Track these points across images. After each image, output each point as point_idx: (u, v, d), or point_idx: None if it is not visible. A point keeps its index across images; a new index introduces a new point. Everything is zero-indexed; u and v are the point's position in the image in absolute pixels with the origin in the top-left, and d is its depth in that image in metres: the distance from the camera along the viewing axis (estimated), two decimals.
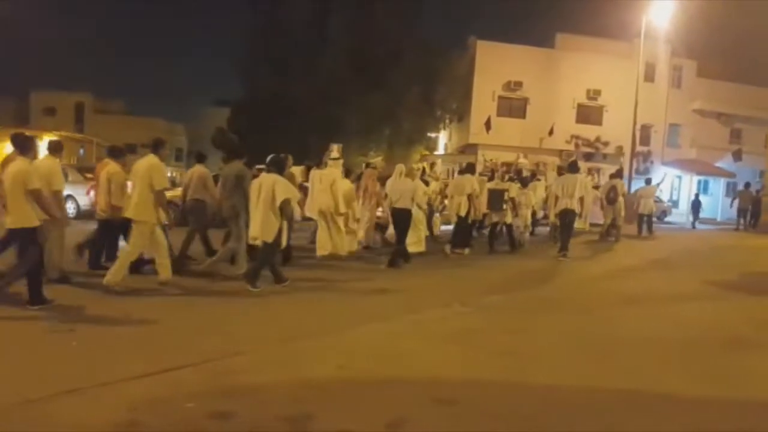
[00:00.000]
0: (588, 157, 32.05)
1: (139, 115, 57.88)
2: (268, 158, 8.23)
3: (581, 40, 32.87)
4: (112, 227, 8.62)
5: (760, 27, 22.67)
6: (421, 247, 11.48)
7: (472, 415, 3.83)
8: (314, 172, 10.85)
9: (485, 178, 13.61)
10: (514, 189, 12.81)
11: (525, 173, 15.74)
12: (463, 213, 11.71)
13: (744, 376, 4.87)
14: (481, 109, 30.97)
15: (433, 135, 36.41)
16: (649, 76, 32.13)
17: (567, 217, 11.99)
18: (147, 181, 7.28)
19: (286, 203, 7.65)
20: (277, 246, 7.93)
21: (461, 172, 13.07)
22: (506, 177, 13.68)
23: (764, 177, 22.37)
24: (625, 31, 30.63)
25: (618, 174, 17.76)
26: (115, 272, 7.15)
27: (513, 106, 32.00)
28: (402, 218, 10.24)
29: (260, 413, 3.69)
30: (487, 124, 29.92)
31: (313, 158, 10.01)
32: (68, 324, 5.59)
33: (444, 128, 36.21)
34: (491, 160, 27.49)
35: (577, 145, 32.39)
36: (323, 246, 10.41)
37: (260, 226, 7.63)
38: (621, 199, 16.55)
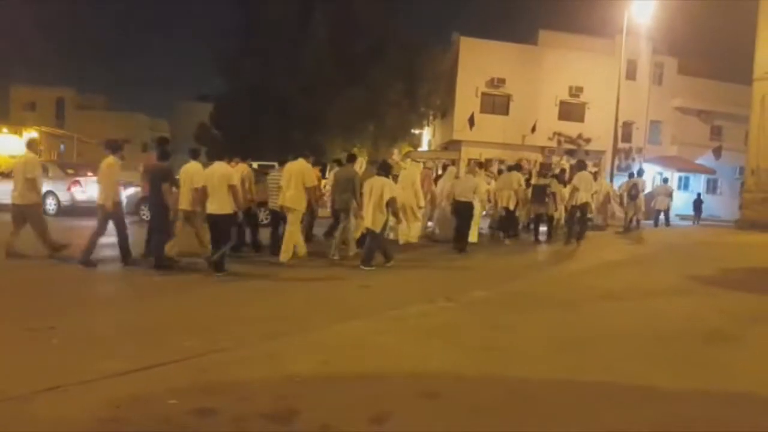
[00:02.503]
0: (570, 153, 32.29)
1: (120, 110, 57.35)
2: (379, 164, 10.35)
3: (563, 37, 33.09)
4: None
5: (741, 24, 22.96)
6: (475, 238, 12.80)
7: (454, 408, 3.86)
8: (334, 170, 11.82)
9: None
10: (555, 184, 14.36)
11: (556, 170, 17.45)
12: (512, 206, 13.46)
13: (721, 369, 4.95)
14: (464, 105, 31.08)
15: (416, 131, 36.47)
16: (631, 74, 32.44)
17: (584, 209, 13.65)
18: (300, 178, 9.44)
19: (392, 201, 9.38)
20: (382, 233, 9.67)
21: (509, 169, 14.73)
22: (548, 174, 15.53)
23: (744, 174, 22.70)
24: (607, 29, 30.96)
25: (639, 173, 19.42)
26: (285, 251, 9.48)
27: (496, 103, 32.14)
28: (465, 210, 11.78)
29: (243, 410, 3.69)
30: (471, 121, 30.06)
31: (297, 152, 10.40)
32: (49, 320, 5.54)
33: (428, 125, 36.30)
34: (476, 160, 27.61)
35: (559, 142, 32.62)
36: (404, 234, 12.07)
37: (371, 219, 9.37)
38: (641, 195, 18.43)
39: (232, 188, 8.43)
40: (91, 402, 3.72)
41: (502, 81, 31.50)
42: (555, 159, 28.57)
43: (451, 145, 32.47)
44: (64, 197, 16.93)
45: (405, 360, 4.87)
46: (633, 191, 18.23)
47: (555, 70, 31.82)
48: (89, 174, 18.29)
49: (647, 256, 12.71)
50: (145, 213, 16.26)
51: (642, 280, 9.54)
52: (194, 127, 37.98)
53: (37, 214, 9.28)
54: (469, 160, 28.60)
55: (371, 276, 8.96)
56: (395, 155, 19.73)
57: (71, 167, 19.06)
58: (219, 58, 33.59)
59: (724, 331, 6.16)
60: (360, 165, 11.62)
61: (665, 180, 21.88)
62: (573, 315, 6.82)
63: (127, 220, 9.14)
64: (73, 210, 16.73)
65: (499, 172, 16.48)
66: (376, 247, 9.50)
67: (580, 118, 33.15)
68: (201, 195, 8.49)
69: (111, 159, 8.91)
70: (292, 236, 9.65)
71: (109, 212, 8.71)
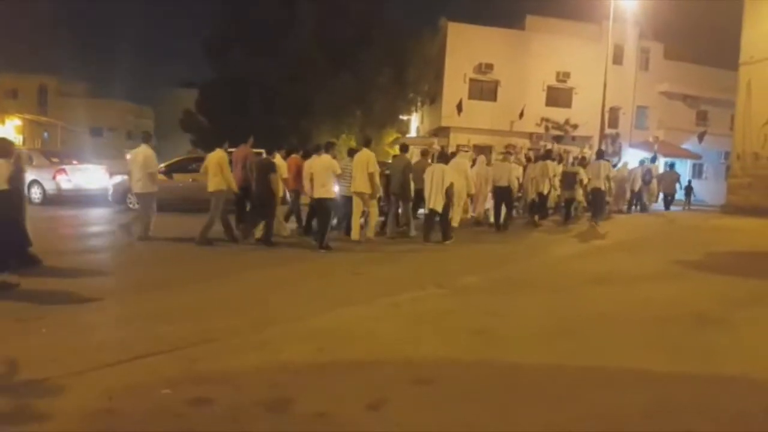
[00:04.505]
0: (557, 139, 32.38)
1: (104, 97, 56.64)
2: (438, 154, 12.83)
3: (551, 22, 33.10)
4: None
5: (726, 10, 23.06)
6: (456, 223, 13.24)
7: (448, 394, 3.88)
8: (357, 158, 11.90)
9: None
10: (582, 172, 15.33)
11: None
12: (546, 191, 14.52)
13: (711, 352, 5.00)
14: (452, 91, 31.05)
15: (405, 117, 36.38)
16: (618, 59, 32.50)
17: (597, 193, 15.14)
18: (365, 166, 10.54)
19: (451, 186, 10.72)
20: (447, 213, 10.97)
21: (542, 158, 15.68)
22: (575, 162, 16.84)
23: (729, 158, 22.89)
24: (594, 14, 31.01)
25: (652, 159, 20.98)
26: (370, 229, 11.07)
27: (484, 89, 32.14)
28: (504, 194, 13.15)
29: (238, 398, 3.68)
30: (459, 107, 30.03)
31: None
32: (37, 311, 5.50)
33: (416, 111, 36.21)
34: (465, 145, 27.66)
35: (547, 128, 32.69)
36: (455, 219, 12.47)
37: (434, 202, 10.78)
38: (654, 181, 20.02)
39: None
40: (84, 393, 3.70)
41: (489, 67, 31.47)
42: (542, 144, 29.14)
43: (440, 132, 32.45)
44: (49, 186, 16.73)
45: (398, 346, 4.88)
46: (647, 176, 19.66)
47: (542, 56, 31.82)
48: (74, 162, 18.10)
49: (635, 241, 12.80)
50: (132, 202, 16.21)
51: (631, 264, 9.61)
52: (179, 114, 37.64)
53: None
54: (457, 146, 28.75)
55: (363, 263, 9.00)
56: (435, 144, 21.64)
57: (55, 155, 18.81)
58: (204, 44, 33.27)
59: (713, 315, 6.22)
60: (411, 155, 12.69)
61: (671, 166, 23.38)
62: (563, 300, 6.87)
63: (115, 208, 9.22)
64: (58, 199, 16.56)
65: (527, 159, 17.54)
66: (446, 226, 11.05)
67: (568, 104, 33.26)
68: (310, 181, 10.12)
69: (146, 149, 10.19)
70: (372, 217, 11.25)
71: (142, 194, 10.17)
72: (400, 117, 35.22)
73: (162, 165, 15.43)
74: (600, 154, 16.20)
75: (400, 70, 30.79)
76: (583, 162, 16.46)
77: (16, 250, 7.15)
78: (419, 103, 34.93)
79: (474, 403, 3.76)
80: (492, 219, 13.80)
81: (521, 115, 31.42)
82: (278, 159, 10.83)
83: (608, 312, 6.27)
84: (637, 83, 34.09)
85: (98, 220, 8.40)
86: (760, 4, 19.09)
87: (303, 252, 9.87)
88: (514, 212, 15.00)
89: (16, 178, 7.12)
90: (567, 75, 32.53)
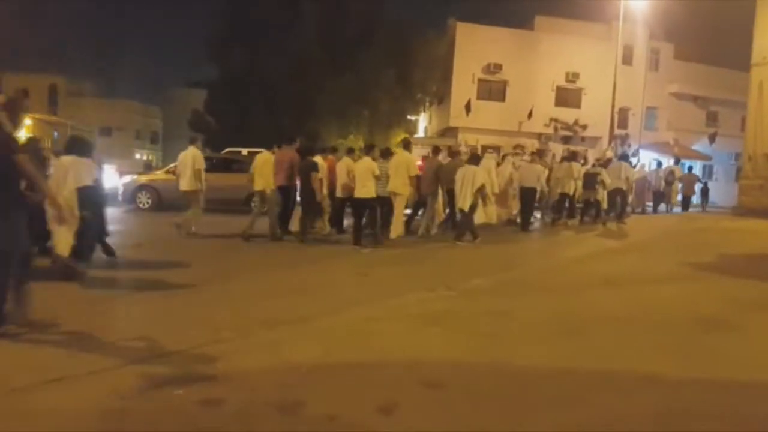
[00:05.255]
0: (566, 140, 32.26)
1: (113, 97, 56.91)
2: (469, 156, 12.67)
3: (560, 22, 32.95)
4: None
5: (737, 10, 22.92)
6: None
7: (458, 398, 3.87)
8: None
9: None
10: (604, 173, 15.38)
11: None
12: (571, 191, 14.84)
13: (721, 356, 4.96)
14: (461, 91, 30.96)
15: (412, 118, 36.34)
16: (627, 59, 32.23)
17: (618, 194, 15.48)
18: (405, 169, 11.03)
19: (482, 187, 11.06)
20: (472, 214, 11.31)
21: (567, 159, 16.08)
22: (595, 164, 16.99)
23: (741, 160, 22.77)
24: (604, 14, 30.83)
25: (676, 161, 21.55)
26: (395, 228, 11.33)
27: (493, 89, 32.02)
28: (529, 195, 13.58)
29: (250, 400, 3.68)
30: (467, 107, 29.96)
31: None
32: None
33: (424, 111, 36.15)
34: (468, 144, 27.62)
35: (555, 128, 32.56)
36: (480, 217, 12.41)
37: (463, 202, 11.06)
38: (677, 182, 20.55)
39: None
40: (96, 393, 3.71)
41: (498, 67, 31.36)
42: (552, 145, 29.21)
43: (448, 132, 32.40)
44: None
45: (407, 348, 4.88)
46: (669, 178, 20.33)
47: (551, 56, 31.67)
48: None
49: (646, 243, 12.74)
50: (142, 201, 16.27)
51: (642, 266, 9.57)
52: (186, 114, 37.78)
53: (197, 199, 11.27)
54: (435, 144, 28.64)
55: (370, 264, 9.03)
56: (463, 145, 22.40)
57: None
58: (208, 43, 33.34)
59: (723, 318, 6.17)
60: (443, 157, 13.23)
61: (690, 168, 23.37)
62: (572, 301, 6.84)
63: (125, 208, 9.44)
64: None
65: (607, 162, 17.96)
66: (467, 226, 11.34)
67: (577, 104, 33.09)
68: (352, 182, 10.92)
69: (194, 150, 11.18)
70: (399, 217, 11.60)
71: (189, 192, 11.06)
72: (408, 117, 35.17)
73: (171, 165, 15.54)
74: (624, 157, 17.08)
75: (407, 71, 30.72)
76: (606, 164, 16.65)
77: (98, 241, 8.02)
78: (427, 104, 34.86)
79: (484, 407, 3.75)
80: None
81: (530, 115, 31.30)
82: (319, 159, 11.54)
83: (618, 314, 6.24)
84: (647, 84, 33.87)
85: (113, 220, 8.68)
86: None
87: (332, 249, 10.72)
88: (538, 214, 15.54)
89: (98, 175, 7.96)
90: (576, 75, 32.37)
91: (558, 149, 30.02)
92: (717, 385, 4.29)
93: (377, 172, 10.52)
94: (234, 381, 3.99)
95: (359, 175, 10.56)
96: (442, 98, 33.56)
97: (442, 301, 6.66)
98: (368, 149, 11.36)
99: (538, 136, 32.30)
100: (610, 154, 21.33)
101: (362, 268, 8.64)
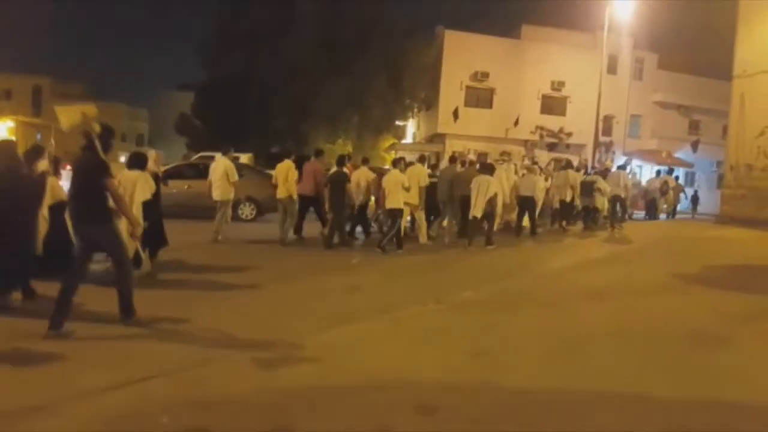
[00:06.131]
0: (552, 147, 32.57)
1: (99, 99, 56.31)
2: (480, 165, 13.39)
3: (546, 31, 33.27)
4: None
5: (720, 21, 23.25)
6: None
7: (453, 422, 3.85)
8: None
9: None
10: (600, 181, 16.06)
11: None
12: (569, 199, 15.56)
13: (713, 375, 4.99)
14: (449, 98, 31.16)
15: (401, 123, 36.47)
16: (612, 68, 32.63)
17: (617, 201, 16.23)
18: (417, 180, 11.60)
19: (495, 196, 11.72)
20: (492, 221, 12.26)
21: (563, 168, 16.65)
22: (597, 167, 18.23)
23: (722, 168, 23.11)
24: (589, 24, 31.16)
25: (669, 171, 22.48)
26: (423, 235, 12.55)
27: (480, 96, 32.26)
28: (528, 204, 14.07)
29: (238, 427, 3.62)
30: (455, 114, 30.15)
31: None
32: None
33: (412, 117, 36.30)
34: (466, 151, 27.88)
35: (541, 136, 32.87)
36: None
37: (479, 210, 11.69)
38: (671, 191, 21.22)
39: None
40: (81, 419, 3.64)
41: (485, 75, 31.60)
42: (537, 152, 29.71)
43: (436, 138, 32.56)
44: None
45: (399, 369, 4.84)
46: (664, 188, 20.95)
47: (538, 64, 32.00)
48: (66, 167, 17.93)
49: (634, 252, 12.87)
50: None
51: (627, 277, 9.62)
52: (174, 117, 37.59)
53: (226, 210, 11.62)
54: (453, 152, 28.95)
55: (361, 277, 9.06)
56: (470, 154, 23.55)
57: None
58: (201, 46, 33.23)
59: (712, 333, 6.23)
60: (458, 166, 13.76)
61: (676, 178, 23.90)
62: (561, 315, 6.85)
63: None
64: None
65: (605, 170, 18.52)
66: (491, 232, 12.20)
67: (562, 112, 33.43)
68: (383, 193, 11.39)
69: (226, 160, 11.43)
70: (422, 223, 12.59)
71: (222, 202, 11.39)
72: (397, 123, 35.31)
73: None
74: (623, 166, 18.21)
75: (397, 76, 30.87)
76: (605, 173, 17.33)
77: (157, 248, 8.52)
78: (416, 110, 35.02)
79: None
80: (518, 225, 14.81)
81: (516, 122, 31.56)
82: (359, 171, 12.30)
83: (609, 329, 6.24)
84: (631, 92, 34.31)
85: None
86: (753, 20, 19.20)
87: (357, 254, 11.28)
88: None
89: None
90: (562, 84, 32.71)
91: (544, 156, 30.44)
92: (710, 404, 4.32)
93: (407, 185, 11.16)
94: (221, 407, 3.93)
95: (389, 186, 11.19)
96: (430, 104, 33.72)
97: (434, 315, 6.67)
98: (396, 162, 12.08)
99: (525, 143, 32.60)
100: (609, 163, 21.79)
101: (383, 275, 9.32)
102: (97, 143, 5.42)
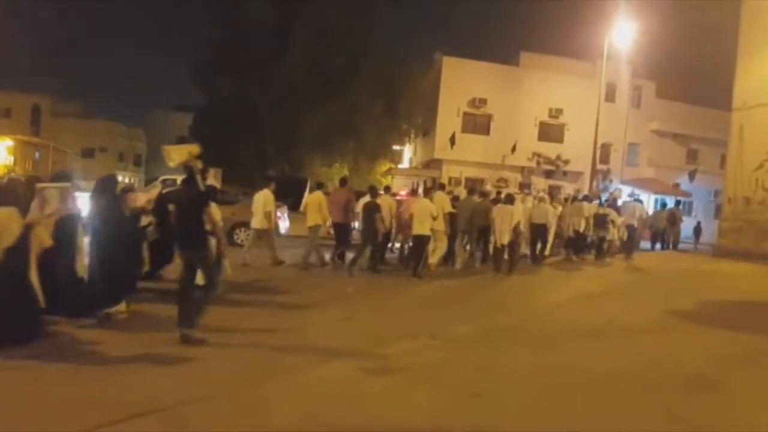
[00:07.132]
0: (548, 174, 32.56)
1: (97, 118, 56.51)
2: (505, 196, 13.84)
3: (545, 59, 33.44)
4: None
5: (717, 50, 23.42)
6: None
7: None
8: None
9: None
10: (613, 213, 16.77)
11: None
12: (582, 229, 16.25)
13: (709, 422, 4.90)
14: (446, 124, 31.21)
15: (398, 148, 36.51)
16: (610, 96, 32.70)
17: (631, 231, 17.45)
18: (441, 207, 12.18)
19: (518, 224, 12.87)
20: (513, 248, 13.25)
21: (579, 200, 17.36)
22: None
23: (720, 197, 23.09)
24: (588, 52, 31.32)
25: (677, 203, 23.83)
26: (459, 261, 13.48)
27: (477, 123, 32.31)
28: (539, 231, 14.73)
29: None
30: (452, 140, 30.19)
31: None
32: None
33: (409, 142, 36.35)
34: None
35: (538, 163, 32.88)
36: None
37: (503, 237, 12.71)
38: (679, 223, 22.13)
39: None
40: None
41: (483, 101, 31.68)
42: (534, 179, 29.86)
43: (432, 164, 32.54)
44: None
45: (390, 412, 4.73)
46: (671, 219, 21.81)
47: (535, 92, 32.12)
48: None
49: (630, 286, 12.77)
50: None
51: (622, 314, 9.49)
52: (171, 138, 37.53)
53: (270, 236, 12.62)
54: (450, 178, 28.92)
55: (354, 308, 8.89)
56: (488, 185, 24.68)
57: (41, 180, 18.51)
58: (196, 70, 33.32)
59: (708, 376, 6.12)
60: (477, 197, 14.33)
61: (678, 204, 25.42)
62: (556, 354, 6.75)
63: None
64: None
65: (565, 200, 18.90)
66: (517, 259, 13.38)
67: (560, 139, 33.46)
68: (410, 220, 12.15)
69: (267, 192, 12.31)
70: (442, 251, 12.87)
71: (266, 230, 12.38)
72: (394, 147, 35.33)
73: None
74: (637, 199, 19.55)
75: (392, 101, 30.94)
76: (614, 204, 18.07)
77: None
78: (412, 135, 35.07)
79: None
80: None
81: (513, 149, 31.60)
82: (380, 199, 12.78)
83: (604, 370, 6.14)
84: (629, 120, 34.38)
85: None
86: (753, 54, 19.33)
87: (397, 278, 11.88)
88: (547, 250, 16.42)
89: None
90: (560, 111, 32.78)
91: (541, 183, 30.39)
92: None
93: (435, 214, 11.69)
94: None
95: (417, 214, 11.77)
96: (427, 130, 33.78)
97: (427, 352, 6.54)
98: (427, 192, 12.94)
99: (521, 169, 32.61)
100: (617, 194, 21.95)
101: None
102: (198, 177, 6.31)
